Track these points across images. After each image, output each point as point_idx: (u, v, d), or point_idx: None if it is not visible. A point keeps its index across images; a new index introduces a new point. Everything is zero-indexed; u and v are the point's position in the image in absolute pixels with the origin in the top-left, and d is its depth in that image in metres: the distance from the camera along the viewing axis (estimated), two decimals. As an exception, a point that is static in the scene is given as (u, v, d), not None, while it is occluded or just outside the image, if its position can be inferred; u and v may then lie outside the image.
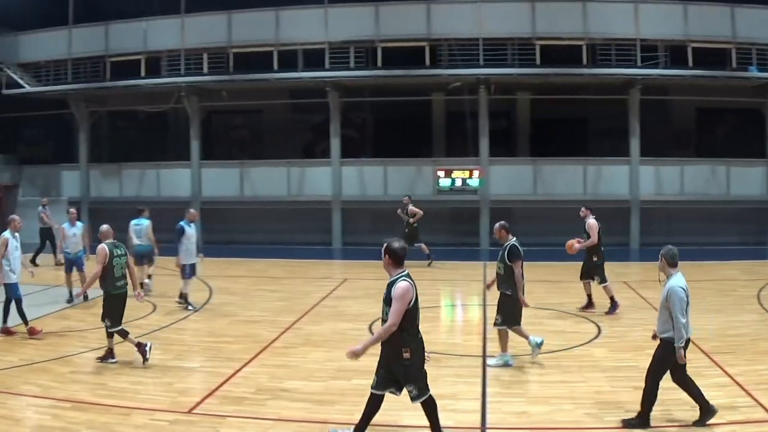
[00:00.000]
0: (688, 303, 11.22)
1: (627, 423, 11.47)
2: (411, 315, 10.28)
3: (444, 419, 11.24)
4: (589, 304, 20.12)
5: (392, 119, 38.78)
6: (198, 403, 12.81)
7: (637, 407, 11.40)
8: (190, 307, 21.13)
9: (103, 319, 15.60)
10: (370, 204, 34.84)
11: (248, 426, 11.61)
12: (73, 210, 22.53)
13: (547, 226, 32.49)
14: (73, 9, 37.39)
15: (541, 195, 33.24)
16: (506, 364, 14.82)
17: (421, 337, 10.58)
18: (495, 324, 15.11)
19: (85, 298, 21.52)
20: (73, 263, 23.13)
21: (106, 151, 43.22)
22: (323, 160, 36.78)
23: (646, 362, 11.70)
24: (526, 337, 15.10)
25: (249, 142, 43.77)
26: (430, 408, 10.65)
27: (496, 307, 15.35)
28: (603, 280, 20.03)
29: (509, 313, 14.96)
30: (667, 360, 11.29)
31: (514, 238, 15.17)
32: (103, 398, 13.16)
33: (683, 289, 11.25)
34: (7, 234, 18.11)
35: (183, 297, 21.38)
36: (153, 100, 39.01)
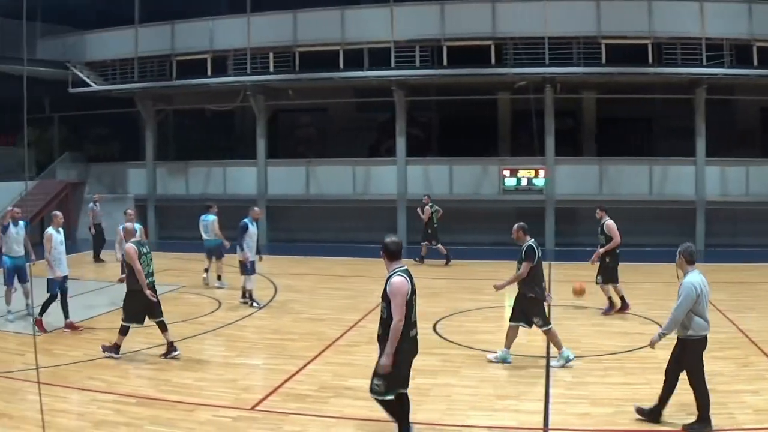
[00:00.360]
0: (699, 301, 11.17)
1: (689, 428, 11.28)
2: (408, 310, 10.21)
3: (507, 419, 11.29)
4: (624, 305, 20.05)
5: (458, 118, 38.65)
6: (261, 400, 12.91)
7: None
8: (254, 304, 21.25)
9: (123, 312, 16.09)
10: (436, 203, 34.73)
11: (311, 424, 11.65)
12: (130, 210, 22.36)
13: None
14: (140, 8, 37.69)
15: (607, 195, 32.86)
16: (567, 360, 14.78)
17: (414, 336, 10.51)
18: (539, 326, 15.09)
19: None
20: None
21: (173, 149, 43.63)
22: (389, 158, 36.78)
23: (709, 366, 11.59)
24: (510, 341, 15.27)
25: (315, 140, 43.90)
26: (406, 409, 10.77)
27: (512, 307, 15.54)
28: (609, 281, 20.07)
29: (541, 313, 15.08)
30: (696, 358, 11.31)
31: (533, 240, 15.40)
32: (167, 394, 13.31)
33: (695, 287, 11.19)
34: (50, 230, 18.32)
35: (248, 294, 21.50)
36: (219, 99, 39.25)
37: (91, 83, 38.78)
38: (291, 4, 35.33)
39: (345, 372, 14.28)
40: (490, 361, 15.12)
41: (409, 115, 35.88)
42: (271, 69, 35.60)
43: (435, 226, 29.53)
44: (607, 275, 20.12)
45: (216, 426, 11.73)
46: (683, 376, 11.36)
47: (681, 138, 34.08)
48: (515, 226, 15.71)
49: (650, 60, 31.37)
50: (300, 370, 14.75)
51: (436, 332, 17.59)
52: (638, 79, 32.98)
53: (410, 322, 10.26)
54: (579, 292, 18.98)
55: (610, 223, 20.32)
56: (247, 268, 21.35)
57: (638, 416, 11.57)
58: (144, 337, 17.87)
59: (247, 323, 19.58)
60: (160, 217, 40.37)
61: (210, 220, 25.04)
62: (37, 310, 18.03)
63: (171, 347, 15.81)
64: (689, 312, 11.18)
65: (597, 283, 20.18)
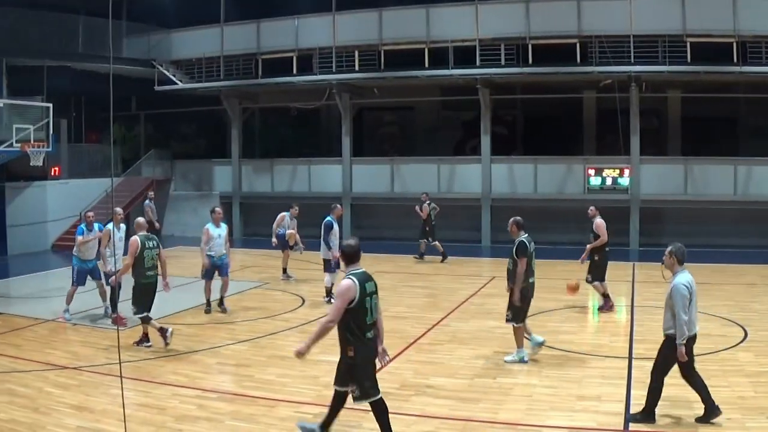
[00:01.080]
0: (691, 300, 11.34)
1: (632, 417, 11.71)
2: (356, 314, 10.37)
3: (587, 420, 11.29)
4: (610, 302, 20.54)
5: (542, 116, 38.50)
6: (342, 397, 12.99)
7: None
8: (333, 300, 21.46)
9: (132, 305, 16.46)
10: (520, 202, 34.61)
11: (391, 421, 11.62)
12: (218, 209, 22.60)
13: (697, 227, 32.05)
14: (225, 7, 38.08)
15: (691, 195, 32.50)
16: (521, 360, 15.08)
17: (371, 338, 10.69)
18: (507, 320, 15.41)
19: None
20: (216, 268, 20.49)
21: (258, 147, 43.98)
22: (473, 157, 36.68)
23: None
24: (529, 334, 15.57)
25: (399, 138, 44.00)
26: (379, 411, 10.81)
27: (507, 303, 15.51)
28: (596, 278, 20.54)
29: (514, 309, 15.22)
30: (671, 357, 11.48)
31: (526, 235, 15.39)
32: (248, 390, 13.55)
33: (686, 286, 11.34)
34: (110, 226, 18.79)
35: (332, 292, 21.70)
36: (304, 97, 39.47)
37: (177, 81, 39.27)
38: (376, 2, 35.45)
39: (426, 370, 14.34)
40: (507, 362, 15.21)
41: (493, 114, 35.72)
42: (357, 67, 35.69)
43: (433, 223, 30.01)
44: (596, 273, 20.63)
45: (296, 422, 11.80)
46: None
47: (766, 138, 33.67)
48: (511, 220, 15.83)
49: (735, 59, 31.00)
50: (382, 367, 14.82)
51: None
52: (723, 78, 32.50)
53: (366, 325, 10.50)
54: (573, 289, 19.04)
55: (599, 221, 20.89)
56: (331, 266, 21.53)
57: (635, 423, 11.63)
58: (227, 333, 18.18)
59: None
60: (245, 214, 40.72)
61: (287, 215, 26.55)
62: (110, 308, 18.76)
63: (145, 338, 16.69)
64: (673, 311, 11.37)
65: (588, 281, 20.62)
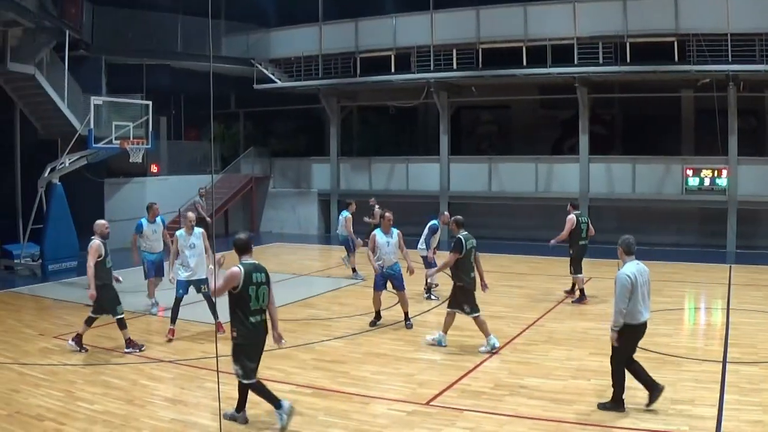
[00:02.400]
0: (635, 290, 12.07)
1: (601, 406, 12.26)
2: (240, 300, 11.41)
3: (679, 424, 11.17)
4: (582, 296, 21.59)
5: (640, 116, 38.08)
6: (436, 396, 13.03)
7: None
8: (432, 296, 21.73)
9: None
10: (618, 202, 34.37)
11: (484, 421, 11.69)
12: (387, 214, 22.53)
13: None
14: (323, 6, 38.38)
15: (790, 196, 32.09)
16: (492, 348, 16.04)
17: (256, 323, 11.62)
18: (467, 313, 16.29)
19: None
20: (387, 278, 19.09)
21: (356, 145, 44.21)
22: (571, 156, 36.48)
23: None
24: (447, 326, 16.74)
25: (496, 137, 43.90)
26: (258, 390, 11.80)
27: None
28: (574, 271, 21.79)
29: (469, 301, 16.27)
30: (627, 343, 12.30)
31: (465, 233, 16.55)
32: (343, 386, 13.61)
33: (629, 276, 12.10)
34: (179, 233, 17.97)
35: (428, 286, 22.28)
36: (402, 96, 39.57)
37: (276, 80, 39.62)
38: (474, 0, 35.41)
39: (521, 370, 14.28)
40: (429, 344, 16.62)
41: (591, 113, 35.47)
42: (454, 66, 35.67)
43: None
44: (574, 266, 21.82)
45: (389, 419, 11.90)
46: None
47: None
48: (451, 218, 17.40)
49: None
50: (476, 366, 14.82)
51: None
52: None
53: (250, 311, 11.49)
54: None
55: (570, 217, 22.01)
56: (431, 264, 21.91)
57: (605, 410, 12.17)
58: (323, 329, 18.32)
59: (426, 318, 19.77)
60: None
61: (343, 216, 26.95)
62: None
63: (129, 343, 16.41)
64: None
65: (570, 273, 21.92)
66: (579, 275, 21.72)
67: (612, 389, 12.27)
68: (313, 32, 39.12)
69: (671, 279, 25.54)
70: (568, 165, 35.71)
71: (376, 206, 28.54)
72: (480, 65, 34.90)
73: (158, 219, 20.71)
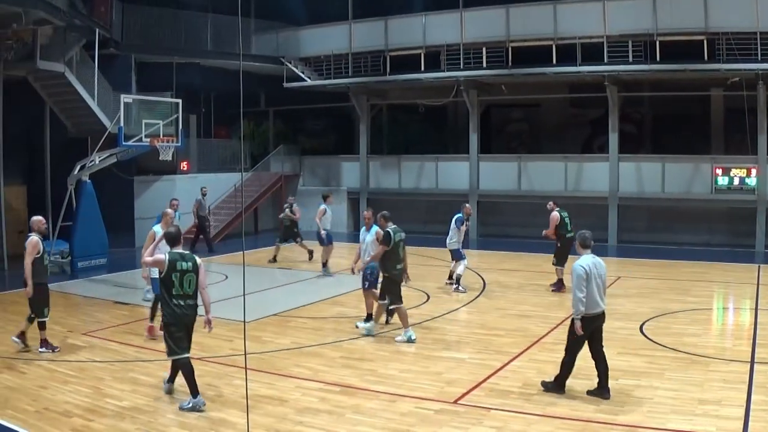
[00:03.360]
0: (589, 281, 12.61)
1: (544, 384, 13.22)
2: (165, 284, 12.51)
3: (707, 425, 11.12)
4: (561, 285, 22.93)
5: (670, 114, 37.93)
6: (464, 394, 13.03)
7: None
8: (460, 288, 21.82)
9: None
10: (647, 201, 34.23)
11: (512, 420, 11.67)
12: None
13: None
14: (353, 4, 38.44)
15: (821, 195, 31.82)
16: (409, 339, 16.84)
17: (179, 305, 12.48)
18: (387, 304, 17.44)
19: None
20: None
21: (386, 143, 44.24)
22: (600, 155, 36.33)
23: None
24: (375, 317, 17.78)
25: (526, 136, 43.82)
26: (185, 372, 12.51)
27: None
28: (557, 262, 23.42)
29: (393, 293, 17.20)
30: (573, 332, 12.91)
31: (394, 227, 17.50)
32: (371, 384, 13.64)
33: (583, 267, 12.66)
34: (156, 228, 18.02)
35: (456, 278, 22.44)
36: (432, 94, 39.55)
37: (306, 78, 39.67)
38: (503, -1, 35.41)
39: (549, 370, 14.15)
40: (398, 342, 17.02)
41: (621, 111, 35.32)
42: (484, 64, 35.60)
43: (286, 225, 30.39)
44: (559, 258, 23.37)
45: (417, 417, 11.88)
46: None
47: None
48: (379, 214, 18.16)
49: None
50: (504, 365, 14.82)
51: (643, 333, 17.36)
52: None
53: (173, 295, 12.49)
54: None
55: (553, 214, 23.45)
56: (461, 255, 22.63)
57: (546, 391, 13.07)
58: (351, 327, 18.35)
59: (454, 317, 19.82)
60: (372, 210, 40.86)
61: (320, 208, 27.29)
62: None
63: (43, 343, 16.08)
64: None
65: (553, 263, 23.52)
66: (560, 267, 22.98)
67: (555, 377, 13.17)
68: (343, 30, 39.18)
69: (700, 279, 25.45)
70: (597, 164, 35.56)
71: (294, 204, 29.89)
72: (510, 64, 34.83)
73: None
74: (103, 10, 31.87)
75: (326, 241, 27.08)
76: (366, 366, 14.91)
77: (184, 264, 12.53)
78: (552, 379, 13.18)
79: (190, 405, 12.18)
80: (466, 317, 19.76)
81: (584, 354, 14.60)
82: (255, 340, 16.77)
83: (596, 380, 12.88)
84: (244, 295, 13.97)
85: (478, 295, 22.36)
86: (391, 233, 17.17)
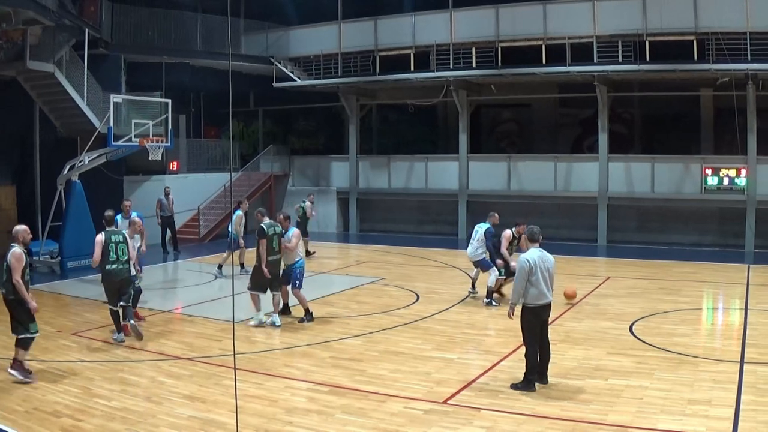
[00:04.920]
0: (535, 273, 13.25)
1: (513, 386, 13.33)
2: (104, 253, 16.80)
3: (696, 425, 11.15)
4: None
5: (659, 115, 37.95)
6: (454, 394, 13.02)
7: None
8: (493, 303, 21.05)
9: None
10: (637, 201, 34.28)
11: (501, 420, 11.67)
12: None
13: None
14: (342, 4, 38.39)
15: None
16: (260, 323, 18.39)
17: (112, 270, 16.95)
18: (248, 288, 18.75)
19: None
20: None
21: (375, 144, 44.29)
22: (590, 155, 36.32)
23: None
24: (258, 309, 18.59)
25: (516, 136, 43.85)
26: (113, 315, 17.08)
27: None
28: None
29: (254, 280, 18.55)
30: (525, 323, 13.53)
31: (268, 222, 18.97)
32: (360, 384, 13.61)
33: (528, 260, 13.31)
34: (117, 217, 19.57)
35: (487, 291, 21.49)
36: (421, 94, 39.59)
37: (295, 78, 39.66)
38: (492, -2, 35.43)
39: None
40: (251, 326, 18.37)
41: (611, 111, 35.33)
42: (474, 64, 35.59)
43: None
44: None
45: (407, 418, 11.87)
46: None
47: None
48: (255, 211, 19.96)
49: None
50: (494, 365, 14.81)
51: (633, 333, 17.37)
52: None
53: (108, 261, 16.87)
54: (570, 296, 20.80)
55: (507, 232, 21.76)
56: (489, 263, 21.46)
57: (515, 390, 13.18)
58: (341, 327, 18.37)
59: (444, 317, 19.72)
60: (362, 210, 41.00)
61: (237, 214, 27.09)
62: None
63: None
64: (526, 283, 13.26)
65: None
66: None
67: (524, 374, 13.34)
68: (333, 30, 39.16)
69: (690, 279, 25.49)
70: (587, 164, 35.57)
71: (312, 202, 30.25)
72: (499, 63, 34.83)
73: (133, 214, 20.78)
74: (92, 9, 31.83)
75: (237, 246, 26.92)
76: (355, 366, 14.87)
77: (116, 237, 17.06)
78: (521, 379, 13.33)
79: (117, 337, 16.77)
80: (455, 317, 19.71)
81: (574, 355, 14.66)
82: (244, 341, 16.78)
83: (577, 381, 12.92)
84: (233, 295, 13.95)
85: (468, 296, 22.32)
86: (265, 227, 18.64)
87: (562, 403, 12.46)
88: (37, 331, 14.09)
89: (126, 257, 16.94)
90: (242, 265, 26.42)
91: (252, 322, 18.38)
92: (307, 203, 30.87)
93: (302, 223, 29.94)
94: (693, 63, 31.07)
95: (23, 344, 13.82)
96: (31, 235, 14.75)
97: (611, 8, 32.48)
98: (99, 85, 31.21)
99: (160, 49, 36.75)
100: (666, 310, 19.86)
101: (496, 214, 22.54)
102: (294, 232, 18.94)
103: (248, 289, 18.66)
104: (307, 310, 19.00)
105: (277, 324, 18.30)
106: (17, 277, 13.65)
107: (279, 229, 18.91)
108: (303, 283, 19.18)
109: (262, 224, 18.72)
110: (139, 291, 18.70)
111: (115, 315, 16.91)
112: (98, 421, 11.64)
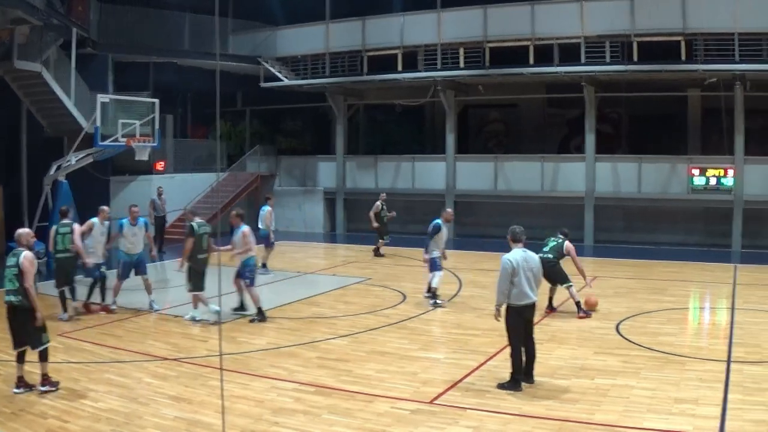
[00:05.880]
0: (517, 274, 13.23)
1: (499, 385, 13.37)
2: (54, 242, 19.29)
3: (683, 424, 11.16)
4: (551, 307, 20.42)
5: (647, 115, 38.01)
6: (440, 394, 13.01)
7: None
8: (438, 302, 21.14)
9: None
10: (624, 201, 34.34)
11: (488, 419, 11.68)
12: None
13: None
14: (330, 4, 38.40)
15: (796, 196, 31.96)
16: (193, 319, 18.80)
17: (61, 258, 19.20)
18: (189, 290, 18.94)
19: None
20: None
21: (362, 144, 44.31)
22: (577, 155, 36.43)
23: None
24: (206, 304, 18.78)
25: (503, 136, 43.90)
26: (61, 296, 19.14)
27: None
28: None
29: (193, 282, 18.75)
30: (510, 323, 13.54)
31: (198, 221, 19.27)
32: (347, 384, 13.59)
33: (510, 260, 13.30)
34: (94, 220, 20.30)
35: (431, 291, 21.56)
36: (409, 94, 39.65)
37: (283, 78, 39.67)
38: (480, -1, 35.45)
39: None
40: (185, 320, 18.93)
41: (598, 112, 35.41)
42: (461, 64, 35.63)
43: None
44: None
45: (393, 418, 11.86)
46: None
47: None
48: (184, 209, 21.19)
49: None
50: (480, 365, 14.81)
51: (619, 333, 17.40)
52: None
53: (57, 249, 19.26)
54: (592, 305, 20.09)
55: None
56: (436, 265, 21.27)
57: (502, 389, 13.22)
58: (328, 327, 18.36)
59: (430, 317, 19.73)
60: (349, 210, 41.00)
61: (265, 210, 26.90)
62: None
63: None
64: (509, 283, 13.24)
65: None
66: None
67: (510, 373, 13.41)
68: (321, 30, 39.17)
69: (676, 278, 25.54)
70: (574, 164, 35.63)
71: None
72: (487, 64, 34.86)
73: (140, 221, 20.68)
74: (80, 9, 31.81)
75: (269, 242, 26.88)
76: (342, 366, 14.85)
77: (63, 229, 19.24)
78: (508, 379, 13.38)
79: (62, 316, 18.77)
80: (442, 317, 19.72)
81: (562, 354, 14.69)
82: (231, 341, 16.76)
83: (564, 381, 12.94)
84: (219, 295, 13.95)
85: (454, 296, 22.32)
86: (195, 226, 18.87)
87: (548, 402, 12.47)
88: (49, 340, 13.48)
89: (70, 244, 19.18)
90: (264, 265, 26.25)
91: (188, 317, 18.98)
92: (383, 206, 31.28)
93: (381, 224, 31.08)
94: (681, 63, 31.15)
95: (44, 356, 13.17)
96: (35, 238, 14.15)
97: (599, 9, 32.56)
98: (86, 85, 31.19)
99: (148, 49, 36.70)
100: (652, 310, 19.90)
101: (450, 210, 23.10)
102: (244, 229, 19.06)
103: (188, 291, 18.98)
104: (259, 310, 19.00)
105: (197, 318, 18.86)
106: (30, 282, 13.04)
107: (209, 228, 19.42)
108: (255, 281, 19.45)
109: (192, 223, 19.05)
110: (102, 277, 20.17)
111: (62, 296, 19.19)
112: (84, 422, 11.60)
